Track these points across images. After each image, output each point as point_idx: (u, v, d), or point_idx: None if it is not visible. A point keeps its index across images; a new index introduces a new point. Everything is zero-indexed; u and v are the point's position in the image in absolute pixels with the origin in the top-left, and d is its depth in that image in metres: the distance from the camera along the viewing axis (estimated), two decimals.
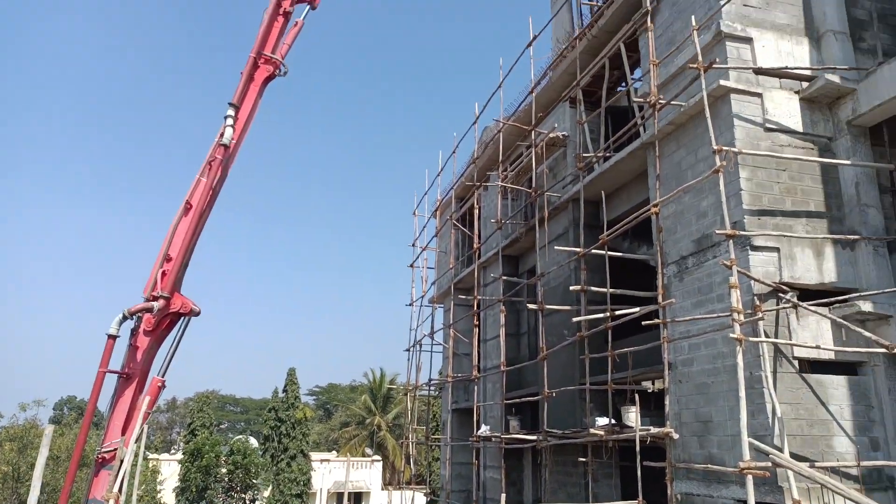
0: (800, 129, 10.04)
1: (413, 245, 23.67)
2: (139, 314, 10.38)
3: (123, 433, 10.25)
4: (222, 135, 11.09)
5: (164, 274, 10.52)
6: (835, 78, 9.91)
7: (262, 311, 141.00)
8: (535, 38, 16.09)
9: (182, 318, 10.85)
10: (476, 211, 20.36)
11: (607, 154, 13.64)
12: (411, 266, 23.45)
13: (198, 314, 10.92)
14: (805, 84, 10.24)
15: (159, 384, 10.72)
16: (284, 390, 45.02)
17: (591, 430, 11.35)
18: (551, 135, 15.59)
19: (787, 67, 10.16)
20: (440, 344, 22.50)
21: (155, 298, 10.36)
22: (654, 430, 10.10)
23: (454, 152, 21.60)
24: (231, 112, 11.21)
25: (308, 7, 12.16)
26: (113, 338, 10.07)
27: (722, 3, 10.13)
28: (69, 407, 76.96)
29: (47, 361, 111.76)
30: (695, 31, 10.06)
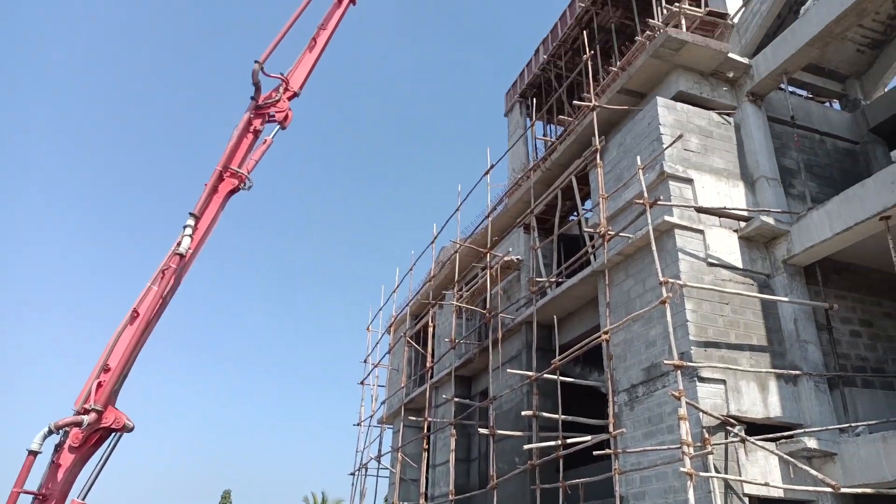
0: (740, 265, 10.58)
1: (365, 361, 23.21)
2: (66, 428, 9.69)
3: None
4: (179, 244, 11.02)
5: (99, 385, 9.97)
6: (769, 220, 10.61)
7: (197, 425, 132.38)
8: (492, 166, 16.92)
9: (113, 433, 10.17)
10: (430, 329, 20.29)
11: (559, 279, 14.00)
12: (362, 383, 22.86)
13: (131, 430, 10.26)
14: (743, 224, 10.92)
15: None
16: None
17: None
18: (506, 258, 16.01)
19: (725, 208, 10.87)
20: (387, 468, 21.51)
21: (86, 411, 9.73)
22: None
23: (411, 270, 21.84)
24: (190, 222, 11.20)
25: (278, 127, 12.61)
26: (34, 454, 9.31)
27: (664, 146, 10.94)
28: None
29: None
30: (640, 170, 10.76)
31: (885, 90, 14.28)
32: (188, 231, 11.04)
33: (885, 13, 13.63)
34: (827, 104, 15.08)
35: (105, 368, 10.07)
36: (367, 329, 23.63)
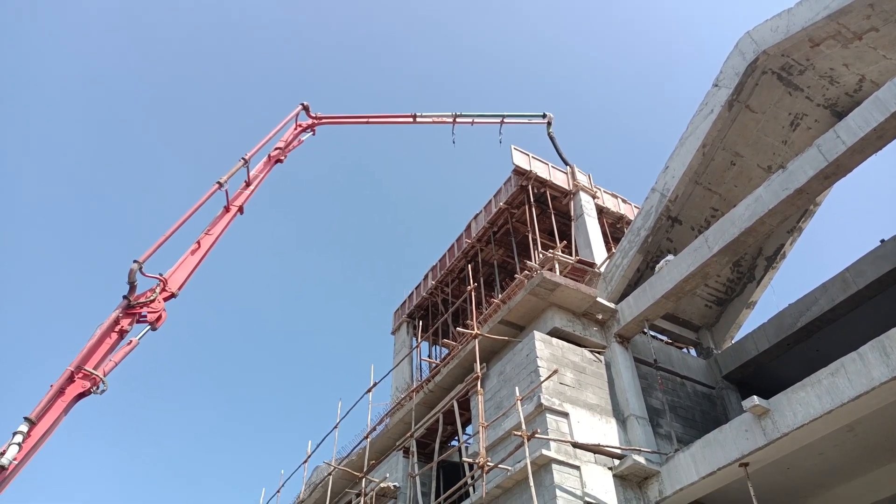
0: None
1: None
2: None
3: None
4: (3, 453, 9.52)
5: None
6: (641, 459, 10.79)
7: None
8: (375, 384, 16.61)
9: None
10: None
11: None
12: None
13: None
14: (617, 461, 11.02)
15: None
16: None
17: None
18: (382, 484, 15.00)
19: (600, 444, 11.01)
20: None
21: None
22: None
23: (279, 492, 19.89)
24: (23, 427, 9.82)
25: (148, 327, 11.95)
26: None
27: (542, 379, 11.27)
28: None
29: None
30: (519, 401, 10.89)
31: (732, 342, 15.92)
32: (18, 439, 9.65)
33: (724, 277, 15.76)
34: (685, 350, 16.49)
35: None
36: None
